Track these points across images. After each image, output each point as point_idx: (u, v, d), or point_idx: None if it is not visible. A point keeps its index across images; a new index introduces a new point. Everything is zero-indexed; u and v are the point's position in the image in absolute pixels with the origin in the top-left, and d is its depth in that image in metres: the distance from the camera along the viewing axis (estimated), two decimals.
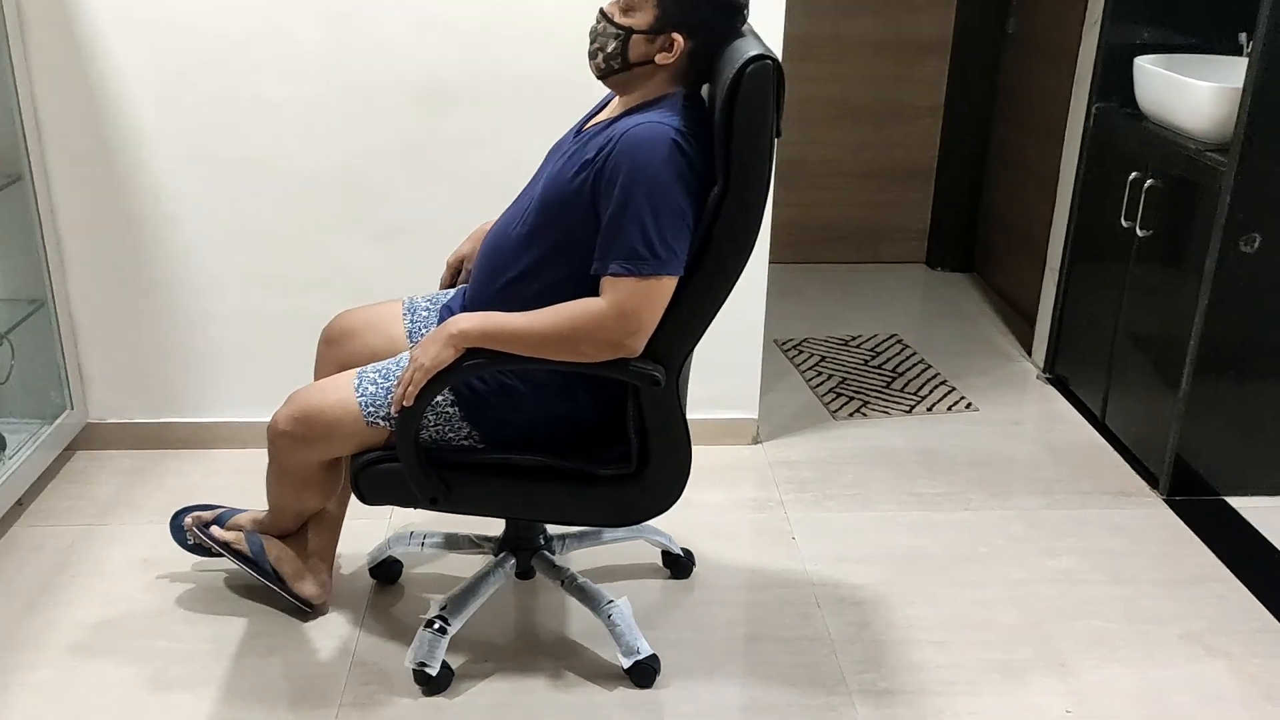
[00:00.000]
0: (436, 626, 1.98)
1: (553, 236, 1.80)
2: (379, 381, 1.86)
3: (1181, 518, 2.61)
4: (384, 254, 2.69)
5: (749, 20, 1.86)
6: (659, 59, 1.77)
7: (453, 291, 2.07)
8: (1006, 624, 2.22)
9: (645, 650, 2.01)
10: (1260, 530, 2.57)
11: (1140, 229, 2.78)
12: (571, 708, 1.96)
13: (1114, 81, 3.00)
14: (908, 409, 3.16)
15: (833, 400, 3.20)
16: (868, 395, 3.24)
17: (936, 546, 2.48)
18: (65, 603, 2.22)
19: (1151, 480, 2.76)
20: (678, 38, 1.76)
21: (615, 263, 1.69)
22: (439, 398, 1.83)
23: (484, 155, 2.62)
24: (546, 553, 2.15)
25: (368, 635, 2.14)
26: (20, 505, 2.53)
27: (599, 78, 1.84)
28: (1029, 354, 3.51)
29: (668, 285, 1.71)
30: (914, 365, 3.45)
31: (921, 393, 3.26)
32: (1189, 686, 2.05)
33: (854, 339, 3.65)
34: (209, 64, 2.51)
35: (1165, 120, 2.76)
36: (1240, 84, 2.44)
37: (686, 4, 1.75)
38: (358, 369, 1.91)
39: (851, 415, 3.12)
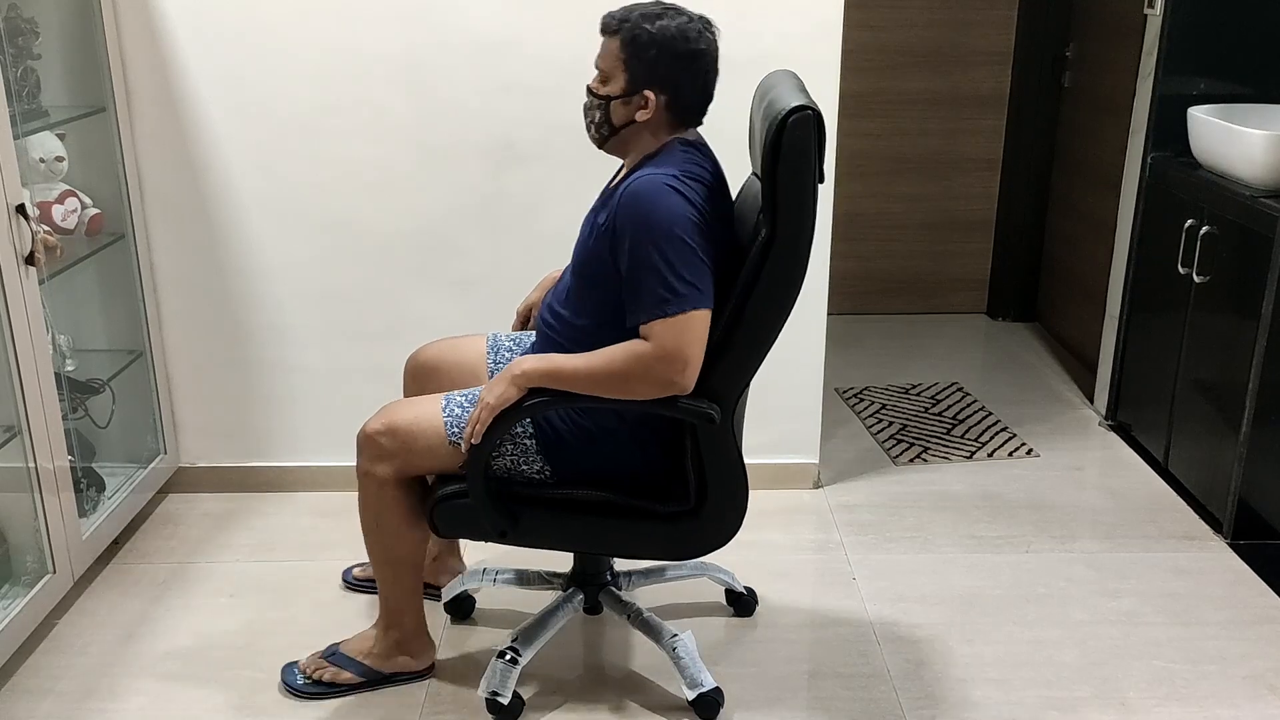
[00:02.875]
0: (508, 657, 2.07)
1: (594, 295, 1.92)
2: (464, 405, 1.98)
3: (1246, 561, 2.61)
4: (458, 306, 2.82)
5: (715, 60, 1.91)
6: (639, 117, 1.91)
7: (535, 335, 2.19)
8: (1066, 663, 2.24)
9: (709, 683, 2.07)
10: None
11: (1198, 275, 2.81)
12: None
13: (1168, 132, 3.05)
14: (968, 454, 3.19)
15: (893, 446, 3.25)
16: (928, 441, 3.28)
17: (996, 587, 2.51)
18: (159, 634, 2.35)
19: (1215, 524, 2.76)
20: (650, 94, 1.89)
21: (644, 312, 1.80)
22: (519, 429, 1.93)
23: (551, 210, 2.75)
24: (613, 589, 2.23)
25: (443, 667, 2.23)
26: (117, 544, 2.67)
27: (599, 147, 1.98)
28: (1091, 401, 3.53)
29: (699, 317, 1.80)
30: (975, 412, 3.48)
31: (982, 439, 3.29)
32: None
33: (914, 387, 3.70)
34: (299, 128, 2.68)
35: (1219, 168, 2.80)
36: None
37: (649, 62, 1.87)
38: (446, 393, 2.04)
39: (912, 461, 3.16)
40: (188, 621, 2.39)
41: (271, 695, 2.15)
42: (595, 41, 2.61)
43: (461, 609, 2.39)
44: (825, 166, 1.82)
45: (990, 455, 3.19)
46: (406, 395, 2.28)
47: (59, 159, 2.51)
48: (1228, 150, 2.74)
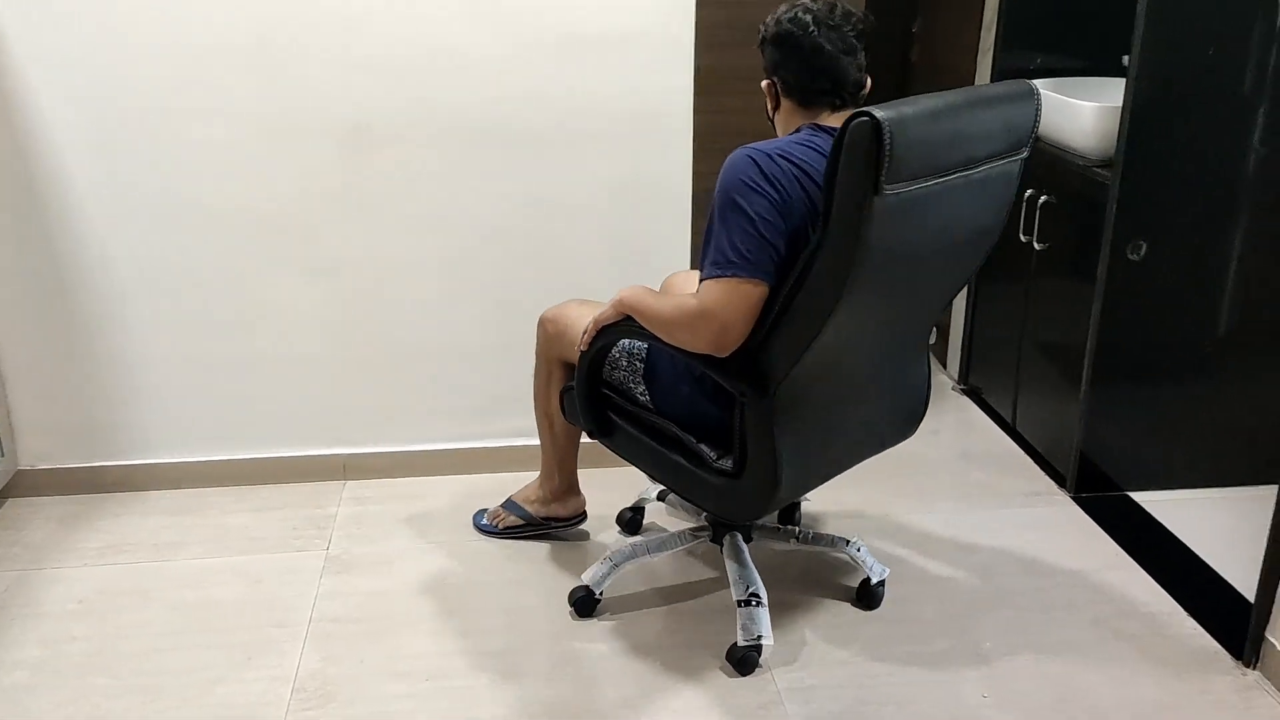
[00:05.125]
0: (753, 603, 2.18)
1: None
2: None
3: (1089, 513, 2.75)
4: (314, 295, 2.74)
5: (815, 38, 1.92)
6: (770, 105, 2.05)
7: None
8: (928, 619, 2.33)
9: (884, 572, 2.38)
10: (1160, 521, 2.72)
11: (1038, 243, 2.94)
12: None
13: None
14: None
15: None
16: None
17: None
18: (4, 645, 2.22)
19: (1060, 480, 2.90)
20: (765, 82, 2.03)
21: (704, 269, 1.86)
22: (634, 351, 2.19)
23: (410, 194, 2.69)
24: (767, 522, 2.48)
25: (308, 662, 2.18)
26: None
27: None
28: (944, 366, 3.65)
29: (746, 289, 1.81)
30: None
31: None
32: (1099, 667, 2.17)
33: None
34: (137, 109, 2.55)
35: (1055, 140, 2.93)
36: (1121, 103, 2.61)
37: (762, 53, 2.03)
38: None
39: None
40: (35, 630, 2.27)
41: (124, 703, 2.06)
42: (456, 18, 2.58)
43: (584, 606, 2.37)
44: (882, 177, 1.67)
45: None
46: None
47: None
48: (1063, 122, 2.86)
